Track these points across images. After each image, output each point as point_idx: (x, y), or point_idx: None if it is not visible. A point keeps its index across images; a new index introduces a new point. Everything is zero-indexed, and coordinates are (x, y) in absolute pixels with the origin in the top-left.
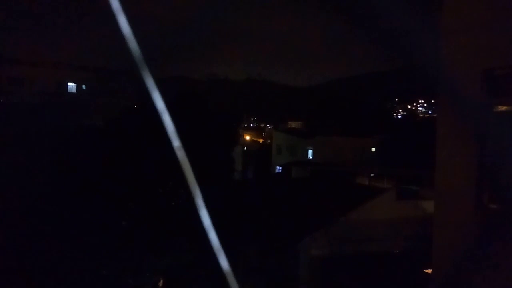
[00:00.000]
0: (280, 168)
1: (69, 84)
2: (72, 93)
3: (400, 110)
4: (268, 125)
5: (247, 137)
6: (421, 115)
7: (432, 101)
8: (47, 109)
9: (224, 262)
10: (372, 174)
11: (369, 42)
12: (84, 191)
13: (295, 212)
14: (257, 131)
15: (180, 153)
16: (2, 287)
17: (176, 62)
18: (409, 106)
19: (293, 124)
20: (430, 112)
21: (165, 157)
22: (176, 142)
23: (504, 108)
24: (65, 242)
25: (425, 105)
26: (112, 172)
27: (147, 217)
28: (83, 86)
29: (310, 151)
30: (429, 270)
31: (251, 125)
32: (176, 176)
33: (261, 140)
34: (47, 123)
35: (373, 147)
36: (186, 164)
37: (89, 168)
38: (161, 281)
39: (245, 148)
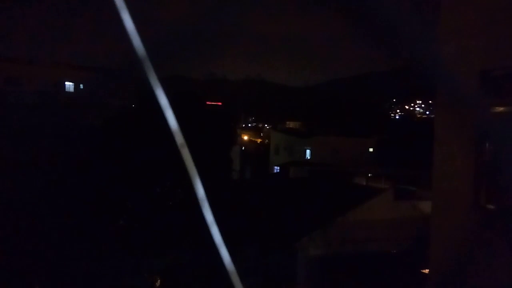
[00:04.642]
0: (278, 168)
1: (66, 83)
2: (69, 92)
3: (398, 111)
4: (266, 125)
5: (245, 137)
6: (419, 116)
7: (430, 101)
8: (45, 109)
9: (227, 260)
10: (370, 175)
11: (367, 43)
12: (82, 190)
13: (292, 212)
14: (255, 131)
15: (184, 151)
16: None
17: (174, 61)
18: (406, 107)
19: (291, 124)
20: (427, 112)
21: (164, 157)
22: (179, 139)
23: (502, 109)
24: (62, 241)
25: (423, 105)
26: (110, 171)
27: (144, 217)
28: (81, 85)
29: (308, 151)
30: (426, 270)
31: (249, 125)
32: (174, 176)
33: (259, 140)
34: (44, 122)
35: (371, 148)
36: (189, 161)
37: (87, 167)
38: (158, 281)
39: (243, 148)
